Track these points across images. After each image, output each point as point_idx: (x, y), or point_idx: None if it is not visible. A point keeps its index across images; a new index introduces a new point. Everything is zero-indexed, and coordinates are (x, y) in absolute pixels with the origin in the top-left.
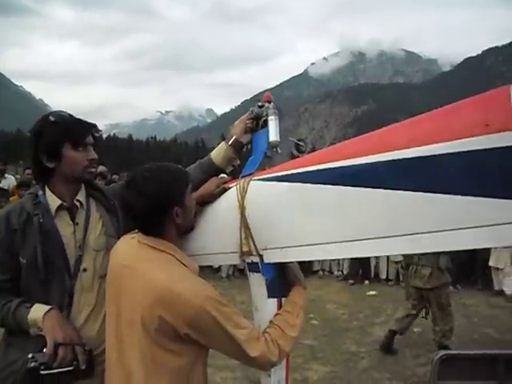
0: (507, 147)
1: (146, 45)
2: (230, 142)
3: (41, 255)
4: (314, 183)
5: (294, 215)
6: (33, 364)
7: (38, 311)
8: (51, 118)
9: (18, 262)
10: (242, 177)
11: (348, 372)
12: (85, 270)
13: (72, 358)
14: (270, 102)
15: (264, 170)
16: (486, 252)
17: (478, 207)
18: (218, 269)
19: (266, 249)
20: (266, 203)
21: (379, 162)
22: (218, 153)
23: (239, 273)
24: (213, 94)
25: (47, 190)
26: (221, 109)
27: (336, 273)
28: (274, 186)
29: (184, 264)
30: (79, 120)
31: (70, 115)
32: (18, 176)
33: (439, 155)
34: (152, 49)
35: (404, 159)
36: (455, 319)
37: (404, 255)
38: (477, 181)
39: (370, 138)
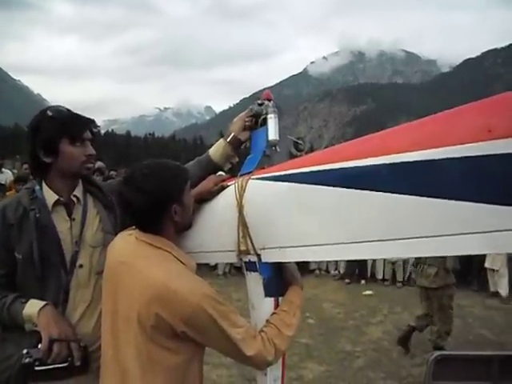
0: (509, 154)
1: (146, 40)
2: (228, 139)
3: (37, 250)
4: (313, 184)
5: (292, 215)
6: (27, 360)
7: (33, 307)
8: (49, 113)
9: (13, 257)
10: (241, 175)
11: (343, 371)
12: (81, 266)
13: (67, 354)
14: (269, 100)
15: (263, 168)
16: (482, 254)
17: (478, 213)
18: (215, 266)
19: (263, 248)
20: (264, 202)
21: (380, 164)
22: (217, 150)
23: (236, 270)
24: (212, 91)
25: (44, 185)
26: (219, 106)
27: (332, 272)
28: (272, 186)
29: (181, 261)
30: (77, 115)
31: (68, 110)
32: (15, 171)
33: (440, 160)
34: (151, 45)
35: (405, 162)
36: None
37: None
38: (477, 187)
39: (371, 140)
